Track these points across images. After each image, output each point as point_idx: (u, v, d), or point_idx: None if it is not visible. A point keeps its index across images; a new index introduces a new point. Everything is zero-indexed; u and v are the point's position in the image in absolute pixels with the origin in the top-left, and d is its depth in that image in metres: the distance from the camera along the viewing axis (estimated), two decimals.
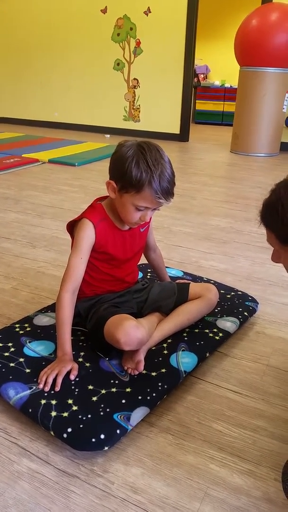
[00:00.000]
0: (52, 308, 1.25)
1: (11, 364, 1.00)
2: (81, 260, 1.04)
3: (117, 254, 1.11)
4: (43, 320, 1.19)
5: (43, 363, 1.01)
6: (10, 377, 0.96)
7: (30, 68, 5.72)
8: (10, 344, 1.08)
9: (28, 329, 1.15)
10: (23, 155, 3.66)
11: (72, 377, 0.95)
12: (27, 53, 5.68)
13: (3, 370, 0.98)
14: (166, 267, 1.54)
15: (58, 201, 2.50)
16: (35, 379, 0.96)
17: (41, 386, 0.93)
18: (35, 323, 1.18)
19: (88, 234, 1.05)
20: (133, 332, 0.96)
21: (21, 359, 1.02)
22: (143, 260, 1.28)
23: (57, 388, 0.92)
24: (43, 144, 4.28)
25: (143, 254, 1.26)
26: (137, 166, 0.96)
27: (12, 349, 1.06)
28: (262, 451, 0.85)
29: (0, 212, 2.28)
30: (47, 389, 0.92)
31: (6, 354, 1.04)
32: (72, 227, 1.10)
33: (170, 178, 0.99)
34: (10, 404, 0.91)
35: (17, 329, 1.15)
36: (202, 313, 1.18)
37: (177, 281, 1.29)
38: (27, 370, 0.99)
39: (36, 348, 1.07)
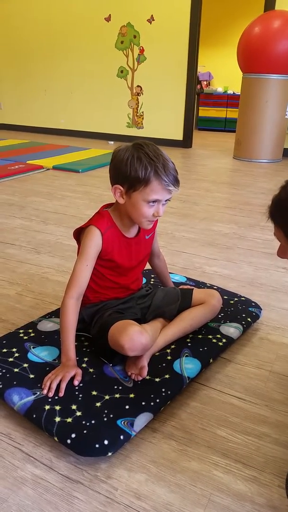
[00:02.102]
0: (56, 314, 1.25)
1: (15, 370, 1.01)
2: (87, 267, 1.04)
3: (122, 262, 1.11)
4: (47, 326, 1.19)
5: (47, 368, 1.01)
6: (14, 382, 0.96)
7: (34, 75, 5.78)
8: (14, 350, 1.08)
9: (32, 334, 1.15)
10: (27, 162, 3.69)
11: (76, 382, 0.96)
12: (32, 61, 5.74)
13: (7, 375, 0.99)
14: (170, 273, 1.55)
15: (62, 207, 2.51)
16: (39, 385, 0.96)
17: (45, 391, 0.93)
18: (39, 329, 1.18)
19: (95, 241, 1.05)
20: (137, 337, 0.96)
21: (25, 365, 1.03)
22: (146, 265, 1.29)
23: (61, 394, 0.92)
24: (47, 151, 4.31)
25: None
26: (139, 161, 0.98)
27: (16, 355, 1.06)
28: (266, 457, 0.85)
29: (5, 218, 2.30)
30: (51, 394, 0.92)
31: (10, 359, 1.04)
32: (79, 234, 1.11)
33: (173, 166, 1.01)
34: (14, 410, 0.92)
35: (21, 335, 1.15)
36: (205, 319, 1.18)
37: (181, 286, 1.30)
38: (31, 376, 0.99)
39: (40, 354, 1.07)
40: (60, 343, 1.02)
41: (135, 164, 0.98)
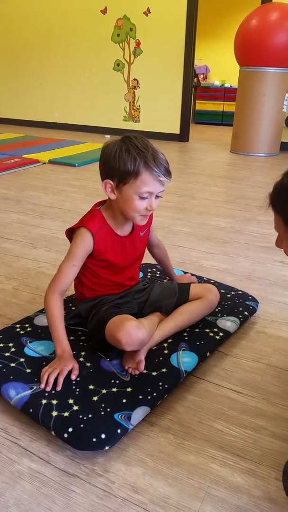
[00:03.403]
0: None
1: (12, 364, 1.00)
2: (73, 267, 1.03)
3: (117, 260, 1.10)
4: (44, 320, 1.19)
5: (44, 363, 1.01)
6: (11, 377, 0.96)
7: (30, 68, 5.73)
8: (10, 344, 1.08)
9: (28, 329, 1.15)
10: (23, 156, 3.66)
11: (73, 377, 0.95)
12: (27, 54, 5.68)
13: (4, 370, 0.98)
14: None
15: (58, 202, 2.50)
16: (35, 379, 0.96)
17: (42, 385, 0.93)
18: (35, 323, 1.18)
19: (84, 243, 1.03)
20: (135, 332, 0.96)
21: (22, 359, 1.02)
22: (144, 259, 1.28)
23: (59, 388, 0.92)
24: (43, 145, 4.29)
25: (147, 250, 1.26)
26: (128, 153, 0.96)
27: (13, 349, 1.06)
28: (263, 450, 0.85)
29: (1, 212, 2.28)
30: (48, 389, 0.92)
31: (7, 354, 1.04)
32: (71, 233, 1.09)
33: (164, 157, 0.99)
34: (11, 404, 0.91)
35: (18, 329, 1.15)
36: (203, 313, 1.18)
37: (186, 275, 1.29)
38: (28, 370, 0.99)
39: (36, 348, 1.07)
40: (52, 337, 1.01)
41: (124, 156, 0.96)
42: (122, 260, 1.11)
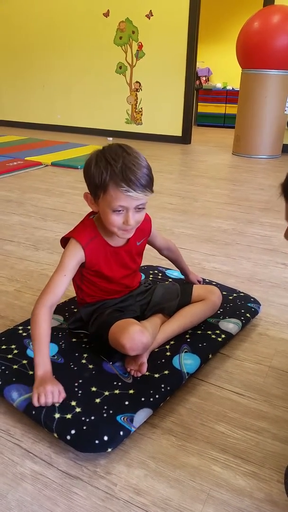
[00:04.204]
0: (56, 311, 1.25)
1: (14, 366, 1.01)
2: (65, 277, 0.98)
3: (111, 273, 1.07)
4: None
5: None
6: (13, 379, 0.96)
7: (32, 71, 5.75)
8: (13, 346, 1.08)
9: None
10: (26, 158, 3.67)
11: (60, 399, 0.89)
12: (30, 57, 5.71)
13: (6, 372, 0.99)
14: (168, 269, 1.55)
15: (60, 204, 2.51)
16: None
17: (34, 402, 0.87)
18: None
19: (75, 255, 1.00)
20: (138, 337, 0.95)
21: (24, 361, 1.03)
22: (144, 261, 1.28)
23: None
24: (46, 147, 4.30)
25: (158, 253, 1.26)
26: (97, 166, 0.92)
27: (15, 351, 1.06)
28: (265, 452, 0.85)
29: (3, 215, 2.29)
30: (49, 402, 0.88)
31: (10, 356, 1.04)
32: (65, 241, 1.06)
33: (136, 168, 0.91)
34: (13, 406, 0.92)
35: (20, 331, 1.15)
36: (205, 315, 1.18)
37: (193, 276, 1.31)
38: (30, 372, 0.99)
39: None
40: (34, 355, 0.92)
41: (93, 169, 0.93)
42: (117, 271, 1.08)
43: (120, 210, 0.94)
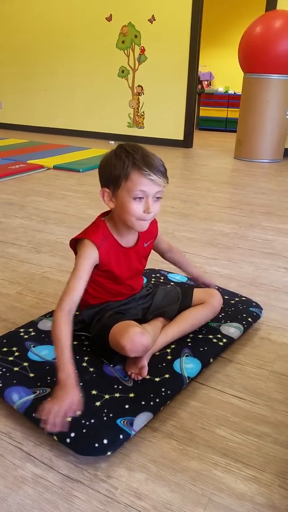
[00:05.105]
0: None
1: (15, 369, 1.01)
2: (81, 279, 0.99)
3: (121, 272, 1.09)
4: (48, 325, 1.19)
5: (47, 367, 1.01)
6: (14, 381, 0.96)
7: (35, 75, 5.78)
8: (14, 349, 1.08)
9: (32, 333, 1.15)
10: (28, 161, 3.69)
11: (78, 413, 0.85)
12: (32, 61, 5.74)
13: (7, 374, 0.99)
14: (170, 272, 1.55)
15: (62, 207, 2.51)
16: (39, 384, 0.96)
17: (48, 428, 0.80)
18: (39, 328, 1.18)
19: (90, 256, 1.01)
20: (139, 339, 0.95)
21: (25, 364, 1.03)
22: (147, 265, 1.28)
23: (57, 429, 0.81)
24: (48, 151, 4.31)
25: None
26: (117, 158, 0.98)
27: (17, 354, 1.06)
28: (266, 457, 0.85)
29: (5, 217, 2.30)
30: (56, 429, 0.81)
31: (11, 358, 1.04)
32: (76, 243, 1.07)
33: (157, 160, 0.98)
34: (14, 409, 0.92)
35: (22, 334, 1.15)
36: (206, 319, 1.18)
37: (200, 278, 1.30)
38: (31, 375, 0.99)
39: (40, 353, 1.07)
40: (57, 358, 0.89)
41: (114, 161, 0.98)
42: (127, 271, 1.10)
43: (141, 197, 0.98)
